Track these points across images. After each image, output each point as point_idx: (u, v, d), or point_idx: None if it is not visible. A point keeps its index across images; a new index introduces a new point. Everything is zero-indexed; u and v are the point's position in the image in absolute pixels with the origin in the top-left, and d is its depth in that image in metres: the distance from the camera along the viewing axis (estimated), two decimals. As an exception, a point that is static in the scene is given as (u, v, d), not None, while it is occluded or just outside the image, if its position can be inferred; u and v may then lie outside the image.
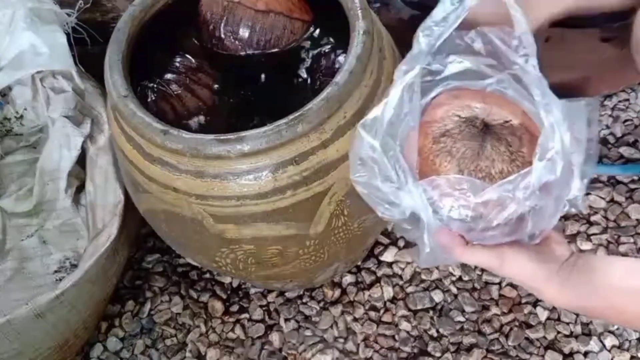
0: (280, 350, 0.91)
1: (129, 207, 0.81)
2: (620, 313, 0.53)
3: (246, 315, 0.94)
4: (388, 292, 0.94)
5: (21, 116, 0.99)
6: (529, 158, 0.50)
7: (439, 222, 0.51)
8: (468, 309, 0.91)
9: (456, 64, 0.55)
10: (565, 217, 0.97)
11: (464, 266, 0.95)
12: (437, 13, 0.51)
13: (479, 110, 0.52)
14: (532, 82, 0.51)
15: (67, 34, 0.90)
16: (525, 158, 0.50)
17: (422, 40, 0.51)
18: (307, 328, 0.92)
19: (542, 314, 0.90)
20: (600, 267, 0.53)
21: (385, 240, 0.98)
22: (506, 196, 0.48)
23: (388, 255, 0.97)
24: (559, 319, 0.89)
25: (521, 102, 0.53)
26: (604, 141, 1.05)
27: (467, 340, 0.89)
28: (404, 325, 0.91)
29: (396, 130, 0.51)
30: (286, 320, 0.93)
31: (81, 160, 0.92)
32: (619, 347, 0.87)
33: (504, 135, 0.51)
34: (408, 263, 0.96)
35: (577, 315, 0.89)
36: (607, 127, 1.07)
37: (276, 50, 0.77)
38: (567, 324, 0.89)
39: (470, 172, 0.50)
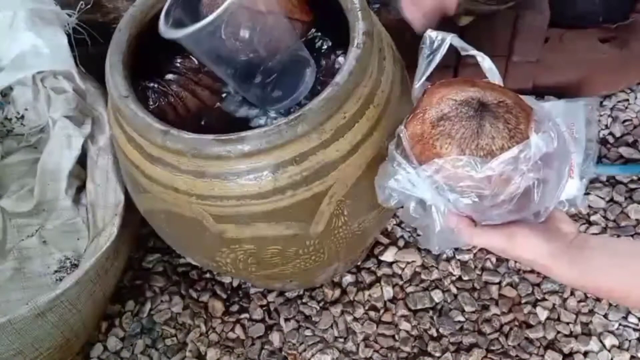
0: (280, 350, 0.91)
1: (130, 207, 0.81)
2: (625, 294, 0.54)
3: (246, 315, 0.94)
4: (388, 292, 0.94)
5: (22, 116, 0.99)
6: (527, 134, 0.51)
7: (447, 202, 0.52)
8: (468, 308, 0.91)
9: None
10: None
11: (464, 266, 0.95)
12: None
13: (473, 93, 0.53)
14: None
15: (68, 35, 0.90)
16: (524, 134, 0.51)
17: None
18: (307, 328, 0.92)
19: (542, 314, 0.90)
20: (602, 247, 0.54)
21: (385, 240, 0.98)
22: (509, 169, 0.49)
23: (388, 255, 0.97)
24: (558, 319, 0.90)
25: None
26: (603, 141, 1.05)
27: (467, 340, 0.89)
28: (404, 325, 0.91)
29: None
30: (286, 320, 0.93)
31: (82, 160, 0.92)
32: (619, 347, 0.87)
33: (501, 114, 0.51)
34: (408, 263, 0.96)
35: (577, 315, 0.90)
36: (607, 127, 1.07)
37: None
38: (567, 323, 0.89)
39: (472, 152, 0.50)
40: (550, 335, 0.88)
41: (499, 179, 0.49)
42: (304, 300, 0.95)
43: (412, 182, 0.52)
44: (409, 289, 0.94)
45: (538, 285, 0.92)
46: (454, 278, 0.94)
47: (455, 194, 0.51)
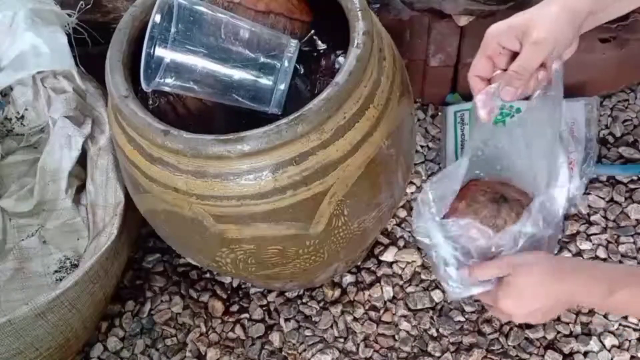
0: (280, 350, 0.91)
1: (130, 207, 0.81)
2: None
3: (246, 315, 0.94)
4: (388, 292, 0.94)
5: (22, 116, 0.99)
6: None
7: (462, 250, 0.68)
8: (468, 308, 0.91)
9: None
10: (565, 217, 0.97)
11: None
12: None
13: (500, 188, 0.76)
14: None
15: (68, 35, 0.90)
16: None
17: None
18: (307, 328, 0.92)
19: (542, 314, 0.90)
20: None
21: (385, 240, 0.98)
22: (505, 242, 0.68)
23: (388, 255, 0.97)
24: (558, 319, 0.89)
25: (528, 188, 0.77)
26: (603, 141, 1.05)
27: (467, 340, 0.89)
28: (404, 325, 0.91)
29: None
30: (286, 320, 0.93)
31: (82, 160, 0.92)
32: (619, 347, 0.87)
33: (515, 206, 0.74)
34: (408, 263, 0.96)
35: (577, 315, 0.90)
36: (607, 127, 1.07)
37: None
38: (567, 323, 0.89)
39: (489, 227, 0.70)
40: (550, 335, 0.88)
41: (499, 245, 0.68)
42: (304, 300, 0.95)
43: (435, 236, 0.68)
44: (409, 289, 0.94)
45: (538, 285, 0.92)
46: (454, 278, 0.94)
47: (469, 247, 0.68)
